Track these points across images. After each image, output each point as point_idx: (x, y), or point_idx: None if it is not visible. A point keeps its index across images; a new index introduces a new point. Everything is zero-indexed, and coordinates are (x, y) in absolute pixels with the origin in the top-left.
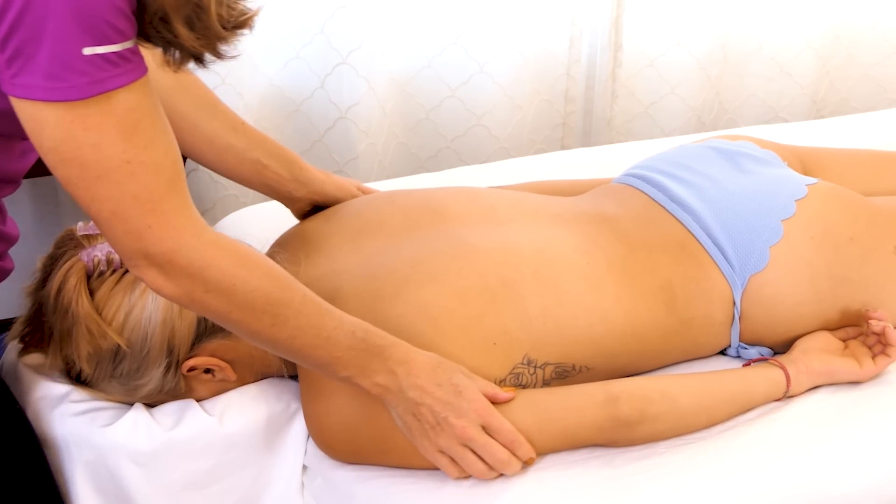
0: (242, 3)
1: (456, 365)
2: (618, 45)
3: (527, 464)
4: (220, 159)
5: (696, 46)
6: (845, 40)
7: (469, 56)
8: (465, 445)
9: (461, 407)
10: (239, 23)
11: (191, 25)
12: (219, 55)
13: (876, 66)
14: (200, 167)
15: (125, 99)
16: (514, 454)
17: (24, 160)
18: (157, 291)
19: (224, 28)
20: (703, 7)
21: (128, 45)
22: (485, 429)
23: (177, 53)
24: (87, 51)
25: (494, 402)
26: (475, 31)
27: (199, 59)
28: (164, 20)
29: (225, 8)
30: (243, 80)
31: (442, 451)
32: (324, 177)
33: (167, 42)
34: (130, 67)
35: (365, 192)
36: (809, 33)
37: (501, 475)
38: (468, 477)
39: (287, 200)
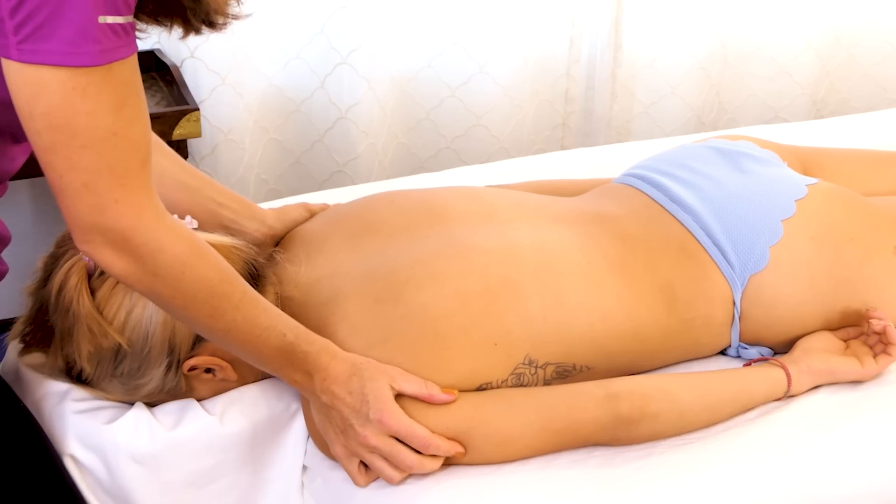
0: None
1: (384, 370)
2: (618, 45)
3: (455, 458)
4: (174, 198)
5: (696, 46)
6: (845, 40)
7: (469, 56)
8: (373, 452)
9: (367, 416)
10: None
11: None
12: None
13: (876, 66)
14: None
15: (122, 72)
16: (435, 455)
17: (12, 164)
18: (106, 269)
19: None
20: (703, 7)
21: (130, 18)
22: (396, 437)
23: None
24: (102, 19)
25: (432, 403)
26: (475, 32)
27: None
28: None
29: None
30: (243, 80)
31: (352, 455)
32: (274, 211)
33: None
34: (130, 41)
35: (313, 210)
36: (809, 33)
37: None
38: (376, 478)
39: None
